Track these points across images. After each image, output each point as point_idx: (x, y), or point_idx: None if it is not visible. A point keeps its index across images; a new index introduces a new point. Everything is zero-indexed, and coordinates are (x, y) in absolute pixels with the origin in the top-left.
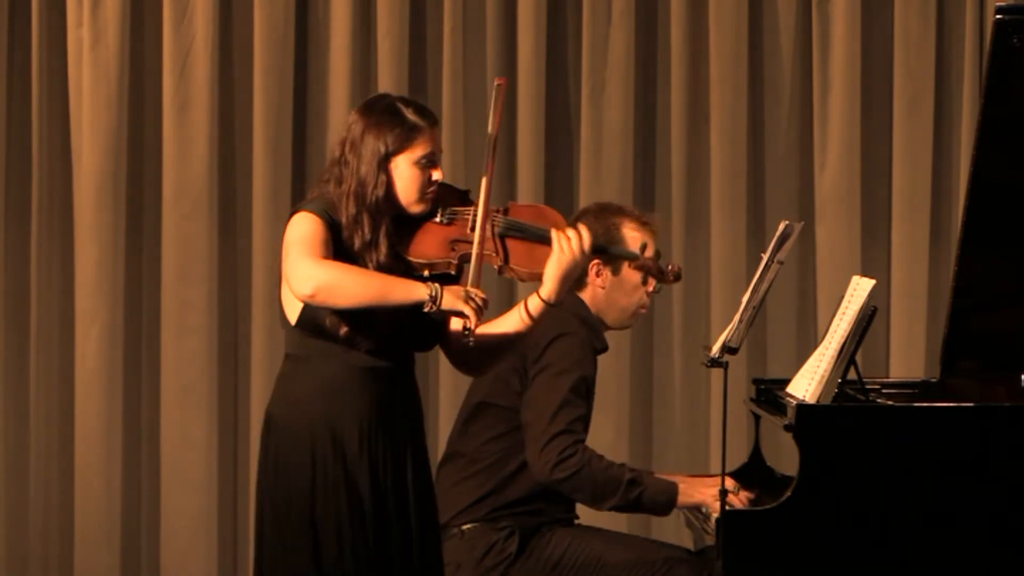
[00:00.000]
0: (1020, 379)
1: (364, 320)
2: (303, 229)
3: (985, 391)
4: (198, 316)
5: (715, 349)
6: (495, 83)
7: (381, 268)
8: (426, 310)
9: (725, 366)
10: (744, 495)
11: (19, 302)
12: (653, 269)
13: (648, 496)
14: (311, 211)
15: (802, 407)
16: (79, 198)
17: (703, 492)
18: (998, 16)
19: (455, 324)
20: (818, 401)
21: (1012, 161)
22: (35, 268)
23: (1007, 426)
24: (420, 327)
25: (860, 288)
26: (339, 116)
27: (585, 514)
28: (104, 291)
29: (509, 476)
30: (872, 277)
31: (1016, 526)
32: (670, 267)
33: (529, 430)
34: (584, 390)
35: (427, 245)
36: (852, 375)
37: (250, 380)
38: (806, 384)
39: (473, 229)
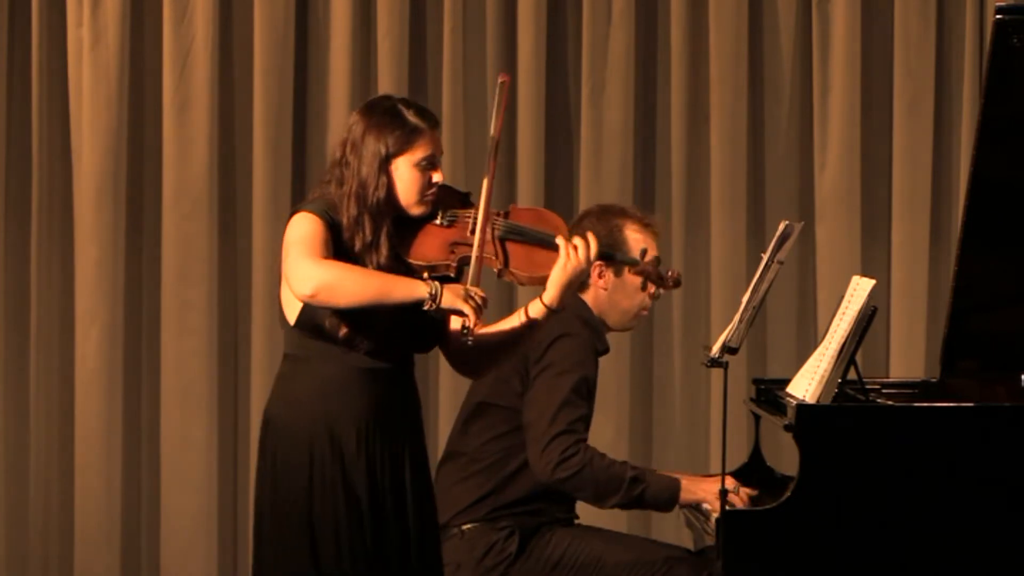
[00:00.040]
0: (1020, 379)
1: (363, 321)
2: (303, 229)
3: (985, 391)
4: (198, 316)
5: (715, 349)
6: (499, 80)
7: (382, 269)
8: (426, 308)
9: (725, 366)
10: (745, 492)
11: (19, 302)
12: (653, 275)
13: (651, 493)
14: (311, 211)
15: (802, 407)
16: (79, 198)
17: (705, 489)
18: (998, 16)
19: (455, 324)
20: (818, 401)
21: (1012, 161)
22: (35, 268)
23: (1007, 426)
24: (420, 327)
25: (860, 288)
26: (339, 116)
27: (585, 514)
28: (104, 291)
29: (509, 476)
30: (872, 277)
31: (1016, 526)
32: (670, 273)
33: (530, 430)
34: (585, 391)
35: (427, 247)
36: (852, 375)
37: (250, 380)
38: (806, 384)
39: (473, 232)
